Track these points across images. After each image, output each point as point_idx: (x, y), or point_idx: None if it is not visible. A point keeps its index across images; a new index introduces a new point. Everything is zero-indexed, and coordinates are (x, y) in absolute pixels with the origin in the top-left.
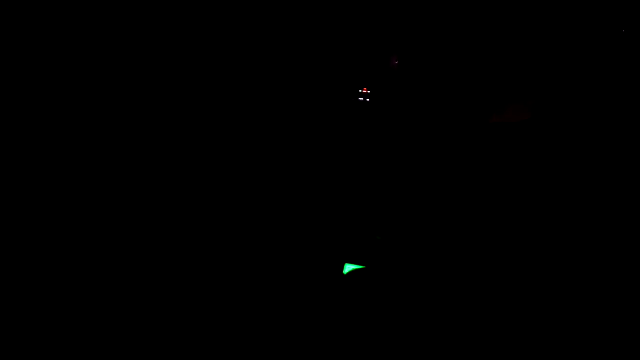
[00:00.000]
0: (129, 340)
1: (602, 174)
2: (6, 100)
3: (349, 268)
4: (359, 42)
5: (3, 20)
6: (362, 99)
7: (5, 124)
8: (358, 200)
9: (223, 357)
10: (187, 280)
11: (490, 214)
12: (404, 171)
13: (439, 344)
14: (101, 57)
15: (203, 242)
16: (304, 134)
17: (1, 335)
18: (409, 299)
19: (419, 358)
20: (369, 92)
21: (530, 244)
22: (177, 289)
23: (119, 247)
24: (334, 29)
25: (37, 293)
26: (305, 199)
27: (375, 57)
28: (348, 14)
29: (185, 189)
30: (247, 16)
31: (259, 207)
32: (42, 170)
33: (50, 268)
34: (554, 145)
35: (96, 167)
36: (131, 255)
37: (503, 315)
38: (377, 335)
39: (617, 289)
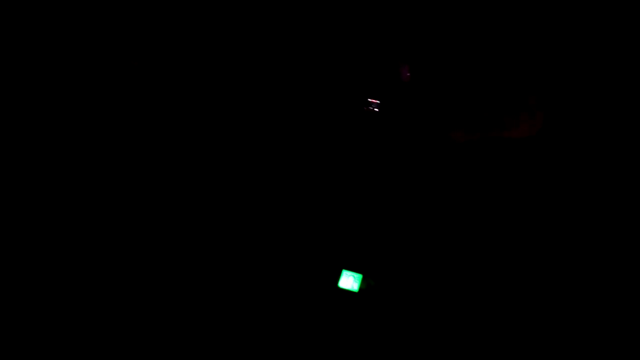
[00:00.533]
0: (125, 339)
1: (607, 187)
2: (6, 101)
3: (345, 274)
4: (372, 53)
5: (3, 20)
6: (371, 109)
7: (5, 124)
8: (358, 208)
9: (222, 357)
10: (185, 280)
11: (494, 227)
12: (409, 181)
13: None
14: (101, 57)
15: (204, 241)
16: (311, 141)
17: (1, 335)
18: (407, 303)
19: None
20: (378, 102)
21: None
22: (174, 289)
23: (117, 245)
24: (346, 40)
25: (37, 292)
26: (307, 203)
27: (387, 69)
28: (362, 26)
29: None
30: (262, 29)
31: (265, 212)
32: (42, 170)
33: (50, 267)
34: (560, 159)
35: (96, 167)
36: (126, 254)
37: (497, 326)
38: (376, 336)
39: (607, 306)
